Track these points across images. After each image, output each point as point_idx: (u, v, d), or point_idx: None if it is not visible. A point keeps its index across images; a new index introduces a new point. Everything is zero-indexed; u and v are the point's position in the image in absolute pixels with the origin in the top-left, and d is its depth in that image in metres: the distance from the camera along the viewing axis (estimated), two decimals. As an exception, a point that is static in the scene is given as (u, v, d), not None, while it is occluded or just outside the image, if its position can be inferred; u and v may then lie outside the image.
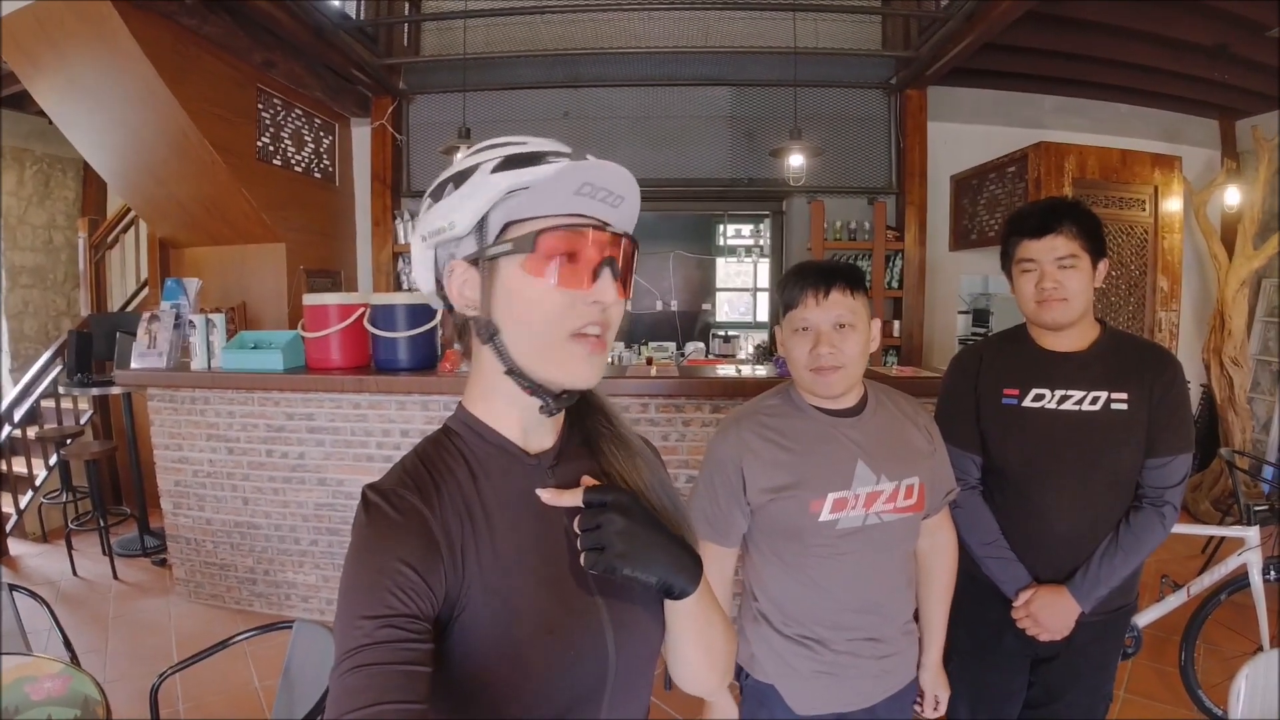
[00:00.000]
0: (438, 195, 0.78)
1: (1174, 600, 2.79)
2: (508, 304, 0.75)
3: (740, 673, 1.54)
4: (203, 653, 1.84)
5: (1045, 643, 1.67)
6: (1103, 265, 1.63)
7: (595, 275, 0.74)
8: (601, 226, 0.75)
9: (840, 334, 1.37)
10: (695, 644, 0.84)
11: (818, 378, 1.39)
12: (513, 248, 0.73)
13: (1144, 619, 2.78)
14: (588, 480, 0.79)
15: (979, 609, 1.75)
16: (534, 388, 0.77)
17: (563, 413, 0.83)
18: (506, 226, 0.75)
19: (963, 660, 1.80)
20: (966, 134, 5.56)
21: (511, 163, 0.74)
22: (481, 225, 0.75)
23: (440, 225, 0.77)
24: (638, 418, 3.27)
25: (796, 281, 1.40)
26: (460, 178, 0.76)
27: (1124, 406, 1.59)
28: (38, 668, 1.66)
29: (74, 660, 1.90)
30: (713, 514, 1.47)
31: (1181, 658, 2.67)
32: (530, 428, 0.82)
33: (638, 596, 0.81)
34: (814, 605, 1.42)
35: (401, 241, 5.76)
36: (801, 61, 4.80)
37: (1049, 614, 1.63)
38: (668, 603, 0.81)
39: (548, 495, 0.78)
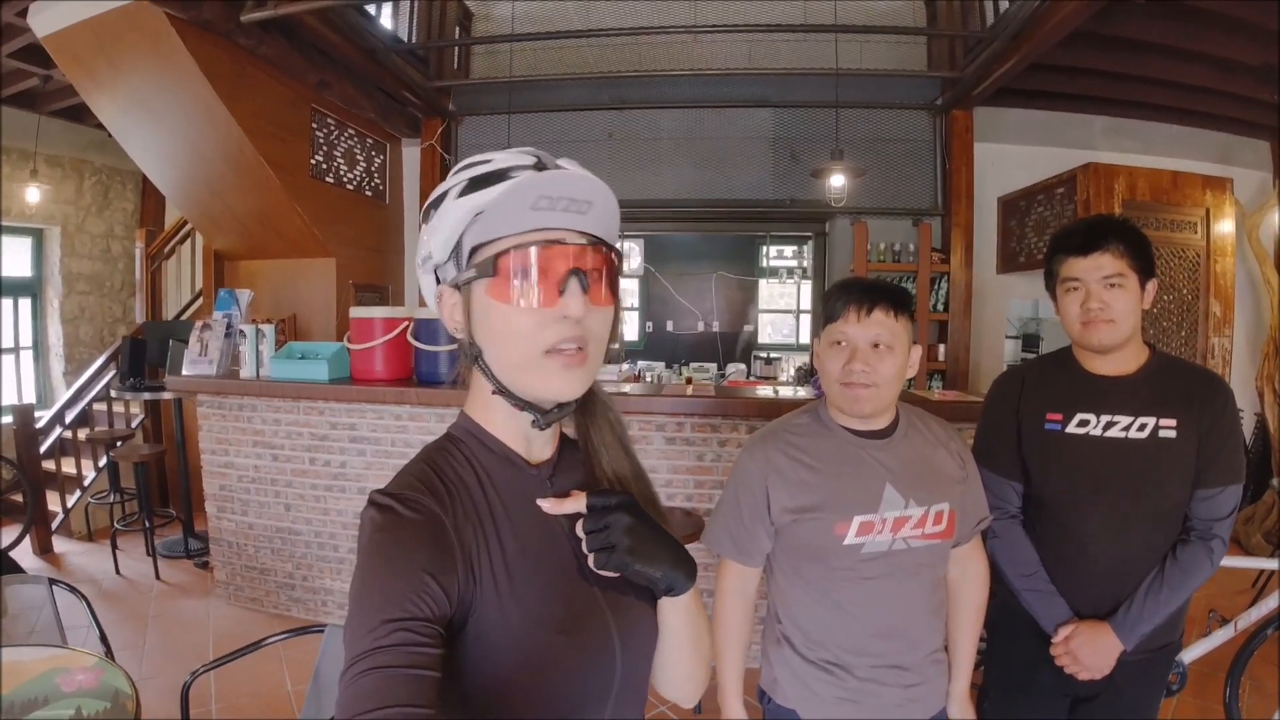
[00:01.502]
0: (426, 219, 0.80)
1: (1221, 635, 2.69)
2: (485, 327, 0.76)
3: (762, 696, 1.52)
4: (235, 653, 1.86)
5: (1084, 681, 1.59)
6: (1151, 285, 1.56)
7: (561, 290, 0.73)
8: (561, 240, 0.73)
9: (876, 354, 1.35)
10: (687, 642, 0.87)
11: (846, 392, 1.37)
12: (477, 273, 0.74)
13: (1190, 655, 2.67)
14: (577, 493, 0.80)
15: (1013, 643, 1.70)
16: (522, 404, 0.79)
17: (558, 426, 0.85)
18: (475, 250, 0.75)
19: (995, 696, 1.75)
20: (1014, 155, 5.46)
21: (475, 185, 0.75)
22: (457, 250, 0.77)
23: (425, 253, 0.80)
24: (673, 437, 3.26)
25: (841, 295, 1.39)
26: (436, 204, 0.78)
27: (1172, 434, 1.52)
28: (70, 660, 1.69)
29: (109, 655, 1.94)
30: (737, 532, 1.46)
31: (1226, 695, 2.57)
32: (532, 438, 0.84)
33: (636, 599, 0.83)
34: (837, 629, 1.40)
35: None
36: (846, 83, 4.78)
37: (1089, 651, 1.55)
38: (664, 601, 0.84)
39: (548, 505, 0.79)
